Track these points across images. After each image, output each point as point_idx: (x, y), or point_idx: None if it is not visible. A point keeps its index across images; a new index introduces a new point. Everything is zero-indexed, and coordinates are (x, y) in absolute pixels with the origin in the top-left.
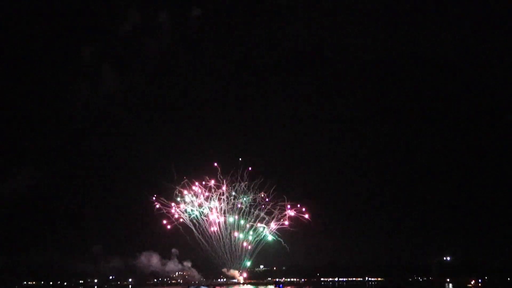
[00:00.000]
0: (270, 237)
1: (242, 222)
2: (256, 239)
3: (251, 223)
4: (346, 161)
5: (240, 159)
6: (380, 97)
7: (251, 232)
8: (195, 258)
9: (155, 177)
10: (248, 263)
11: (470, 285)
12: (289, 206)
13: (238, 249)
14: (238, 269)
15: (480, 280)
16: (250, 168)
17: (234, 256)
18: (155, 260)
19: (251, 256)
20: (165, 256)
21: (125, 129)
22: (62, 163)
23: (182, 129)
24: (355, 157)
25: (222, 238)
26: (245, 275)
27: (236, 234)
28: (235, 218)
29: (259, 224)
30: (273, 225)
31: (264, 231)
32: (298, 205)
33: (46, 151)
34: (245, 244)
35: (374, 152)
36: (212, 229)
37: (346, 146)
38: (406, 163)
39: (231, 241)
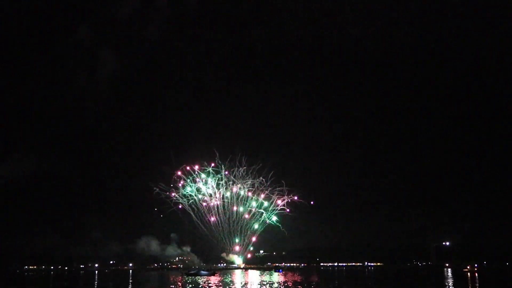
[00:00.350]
0: (274, 218)
1: (242, 192)
2: (258, 205)
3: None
4: (344, 148)
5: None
6: (371, 80)
7: (253, 203)
8: (194, 243)
9: (154, 163)
10: (256, 226)
11: (466, 270)
12: (287, 191)
13: (237, 233)
14: (241, 244)
15: (476, 265)
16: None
17: (235, 231)
18: (154, 244)
19: (260, 222)
20: (164, 241)
21: (123, 116)
22: (63, 151)
23: (180, 116)
24: (353, 143)
25: (221, 223)
26: (254, 239)
27: (235, 208)
28: (232, 192)
29: (261, 196)
30: (279, 202)
31: (263, 216)
32: (296, 192)
33: (48, 138)
34: (246, 216)
35: (372, 138)
36: (210, 216)
37: (343, 131)
38: (405, 149)
39: (229, 225)
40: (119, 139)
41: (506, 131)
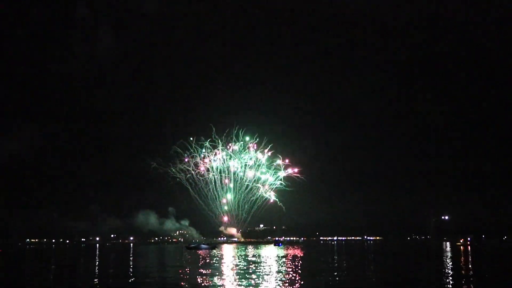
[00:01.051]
0: (272, 194)
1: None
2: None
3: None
4: (342, 123)
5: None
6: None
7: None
8: (192, 217)
9: (152, 138)
10: (262, 178)
11: (458, 244)
12: (284, 166)
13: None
14: (240, 216)
15: (469, 239)
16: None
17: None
18: (152, 218)
19: (258, 196)
20: (162, 215)
21: (121, 91)
22: (62, 125)
23: (177, 90)
24: (352, 118)
25: (218, 198)
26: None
27: (232, 164)
28: (229, 152)
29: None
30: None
31: (261, 191)
32: (294, 167)
33: (47, 113)
34: (250, 175)
35: (370, 113)
36: (207, 190)
37: (343, 105)
38: (404, 123)
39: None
40: (117, 114)
41: (505, 106)
